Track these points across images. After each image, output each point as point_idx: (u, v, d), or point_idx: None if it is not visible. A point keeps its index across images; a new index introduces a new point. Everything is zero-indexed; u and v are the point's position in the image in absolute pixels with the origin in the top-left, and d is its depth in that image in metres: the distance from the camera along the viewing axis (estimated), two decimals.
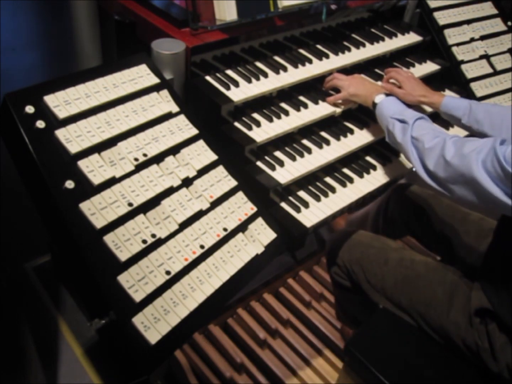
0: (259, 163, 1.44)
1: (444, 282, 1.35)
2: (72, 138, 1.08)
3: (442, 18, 2.02)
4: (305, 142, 1.54)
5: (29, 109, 1.06)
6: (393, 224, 1.75)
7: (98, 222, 1.02)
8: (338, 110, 1.58)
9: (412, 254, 1.46)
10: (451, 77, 1.96)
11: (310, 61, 1.63)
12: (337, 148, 1.54)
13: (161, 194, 1.14)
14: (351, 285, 1.54)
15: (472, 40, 2.05)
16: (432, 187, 1.23)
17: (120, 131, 1.16)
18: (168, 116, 1.26)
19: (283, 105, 1.55)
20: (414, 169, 1.29)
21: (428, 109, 1.74)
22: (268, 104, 1.53)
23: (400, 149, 1.36)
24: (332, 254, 1.57)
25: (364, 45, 1.78)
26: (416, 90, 1.55)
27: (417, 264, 1.41)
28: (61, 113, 1.10)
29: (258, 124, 1.45)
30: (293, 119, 1.50)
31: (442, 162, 1.16)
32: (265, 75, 1.53)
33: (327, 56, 1.68)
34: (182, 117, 1.28)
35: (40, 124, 1.06)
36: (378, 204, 1.82)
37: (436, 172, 1.18)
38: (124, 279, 1.00)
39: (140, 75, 1.27)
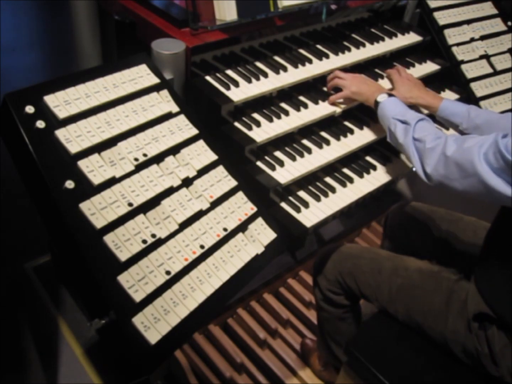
0: (259, 163, 1.44)
1: (440, 290, 1.33)
2: (72, 138, 1.08)
3: (442, 18, 2.02)
4: (305, 142, 1.54)
5: (29, 109, 1.06)
6: (399, 247, 1.70)
7: (98, 222, 1.02)
8: (338, 110, 1.58)
9: (405, 261, 1.44)
10: (451, 77, 1.96)
11: (310, 61, 1.63)
12: (337, 148, 1.54)
13: (161, 194, 1.13)
14: (345, 297, 1.51)
15: (472, 40, 2.04)
16: (431, 185, 1.24)
17: (120, 131, 1.16)
18: (168, 116, 1.26)
19: (283, 105, 1.55)
20: (414, 169, 1.30)
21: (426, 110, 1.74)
22: (268, 104, 1.53)
23: (401, 149, 1.36)
24: (320, 270, 1.53)
25: (364, 45, 1.78)
26: (410, 92, 1.55)
27: (411, 272, 1.39)
28: (61, 113, 1.10)
29: (258, 124, 1.45)
30: (293, 119, 1.50)
31: (443, 159, 1.17)
32: (265, 75, 1.53)
33: (327, 56, 1.68)
34: (182, 117, 1.28)
35: (40, 124, 1.06)
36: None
37: (437, 170, 1.19)
38: (124, 279, 1.00)
39: (140, 75, 1.27)
